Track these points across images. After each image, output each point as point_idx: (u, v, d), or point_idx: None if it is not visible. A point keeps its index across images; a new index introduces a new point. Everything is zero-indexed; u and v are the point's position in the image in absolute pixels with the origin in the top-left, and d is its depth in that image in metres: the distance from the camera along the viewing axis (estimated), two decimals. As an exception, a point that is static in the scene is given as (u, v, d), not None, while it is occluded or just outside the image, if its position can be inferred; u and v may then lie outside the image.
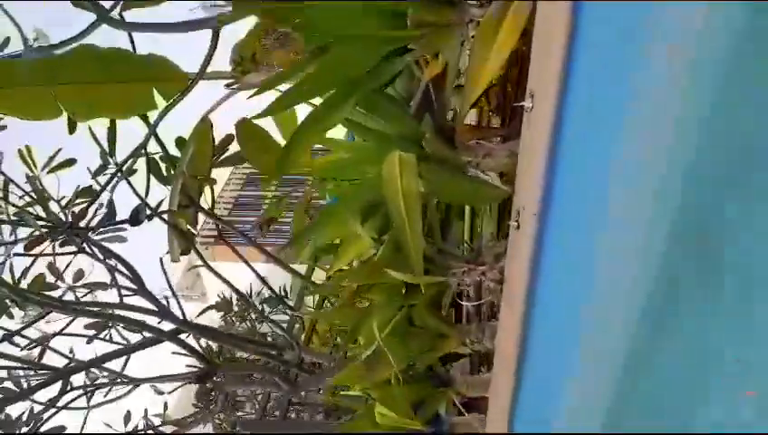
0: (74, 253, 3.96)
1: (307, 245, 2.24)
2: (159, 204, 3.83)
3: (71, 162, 4.71)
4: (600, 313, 1.97)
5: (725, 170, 1.34)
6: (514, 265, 2.05)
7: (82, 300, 4.99)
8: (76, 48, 2.65)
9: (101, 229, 4.49)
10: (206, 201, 4.00)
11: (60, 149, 4.81)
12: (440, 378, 3.00)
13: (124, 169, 3.43)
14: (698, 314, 1.49)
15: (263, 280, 4.69)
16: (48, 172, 4.75)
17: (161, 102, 3.09)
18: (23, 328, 4.02)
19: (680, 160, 1.43)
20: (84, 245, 3.93)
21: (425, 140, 1.91)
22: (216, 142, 4.38)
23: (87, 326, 5.37)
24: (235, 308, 10.16)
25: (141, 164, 3.78)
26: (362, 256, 2.37)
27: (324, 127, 1.90)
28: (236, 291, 4.67)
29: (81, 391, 4.24)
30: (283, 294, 6.70)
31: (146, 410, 5.08)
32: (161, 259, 4.40)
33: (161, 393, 4.07)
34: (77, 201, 3.89)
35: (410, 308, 2.41)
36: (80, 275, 5.34)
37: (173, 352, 3.87)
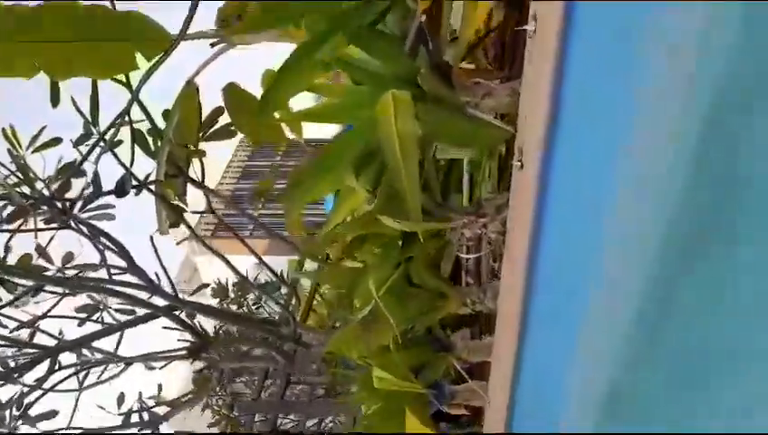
0: (58, 228, 3.83)
1: (298, 201, 2.11)
2: (147, 176, 3.71)
3: (56, 141, 4.57)
4: (612, 263, 1.86)
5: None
6: (517, 211, 1.93)
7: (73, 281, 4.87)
8: (51, 3, 2.52)
9: (89, 206, 4.37)
10: (194, 172, 3.87)
11: (44, 127, 4.68)
12: (441, 343, 2.90)
13: (107, 137, 3.30)
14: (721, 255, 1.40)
15: (262, 261, 4.57)
16: (33, 152, 4.61)
17: (145, 64, 2.96)
18: (9, 303, 3.89)
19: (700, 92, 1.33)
20: (70, 221, 3.80)
21: (420, 76, 1.79)
22: (207, 114, 4.27)
23: (78, 309, 5.26)
24: (231, 295, 10.06)
25: (127, 136, 3.65)
26: (357, 212, 2.25)
27: (310, 65, 1.78)
28: (236, 271, 4.53)
29: (71, 374, 4.13)
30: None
31: (140, 393, 4.98)
32: (152, 237, 4.29)
33: (152, 369, 3.96)
34: (60, 176, 3.75)
35: (408, 265, 2.30)
36: (69, 257, 5.22)
37: (164, 327, 3.76)
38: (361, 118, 1.93)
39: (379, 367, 2.57)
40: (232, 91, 3.33)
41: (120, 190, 3.29)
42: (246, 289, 9.86)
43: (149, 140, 3.83)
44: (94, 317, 5.06)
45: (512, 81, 2.00)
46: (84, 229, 3.92)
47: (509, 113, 1.98)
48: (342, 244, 2.20)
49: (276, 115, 3.04)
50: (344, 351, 2.76)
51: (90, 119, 3.46)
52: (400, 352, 2.72)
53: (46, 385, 3.98)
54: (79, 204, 4.35)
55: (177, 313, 3.98)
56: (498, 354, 2.86)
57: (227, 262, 4.48)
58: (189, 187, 4.02)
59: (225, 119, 4.25)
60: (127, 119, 3.27)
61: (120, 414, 4.48)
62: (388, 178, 1.94)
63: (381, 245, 2.23)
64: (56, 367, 3.85)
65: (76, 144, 3.46)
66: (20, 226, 3.61)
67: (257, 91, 3.44)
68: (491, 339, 2.88)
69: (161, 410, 4.97)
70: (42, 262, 4.92)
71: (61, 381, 3.99)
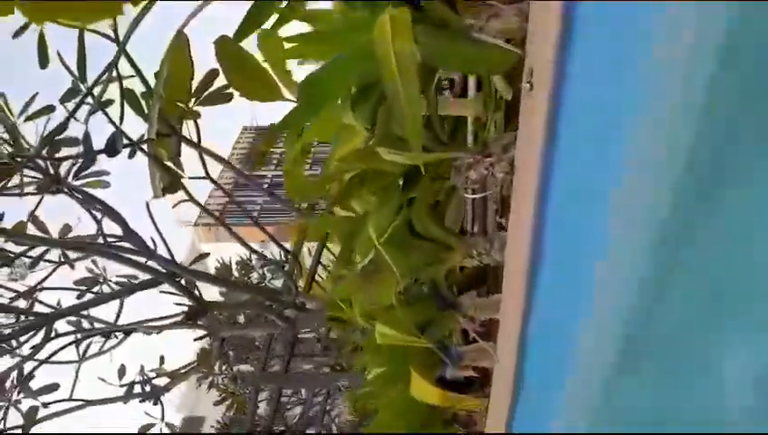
0: (49, 192, 3.71)
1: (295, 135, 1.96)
2: (141, 138, 3.57)
3: (49, 109, 4.44)
4: (629, 207, 1.71)
5: None
6: (526, 141, 1.78)
7: (70, 254, 4.79)
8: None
9: (82, 173, 4.25)
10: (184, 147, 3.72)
11: (36, 94, 4.55)
12: (446, 301, 2.77)
13: (96, 93, 3.14)
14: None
15: (272, 238, 4.44)
16: (26, 120, 4.50)
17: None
18: (13, 259, 3.76)
19: None
20: (64, 187, 3.66)
21: (419, -10, 1.63)
22: (202, 77, 4.12)
23: (77, 282, 5.18)
24: (235, 274, 10.00)
25: (117, 95, 3.51)
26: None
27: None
28: (247, 246, 4.37)
29: (70, 343, 4.04)
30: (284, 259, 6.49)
31: (142, 366, 4.92)
32: (147, 203, 4.17)
33: (149, 334, 3.87)
34: (46, 136, 3.61)
35: (410, 210, 2.16)
36: (67, 230, 5.12)
37: (161, 291, 3.66)
38: (355, 43, 1.78)
39: (383, 322, 2.44)
40: (224, 45, 3.17)
41: (111, 149, 3.16)
42: (250, 268, 9.81)
43: (143, 103, 3.70)
44: (94, 290, 4.98)
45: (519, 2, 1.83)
46: (77, 196, 3.80)
47: (515, 38, 1.82)
48: (340, 185, 2.05)
49: (264, 64, 2.90)
50: (345, 306, 2.63)
51: (77, 74, 3.32)
52: (405, 308, 2.59)
53: (45, 355, 3.90)
54: (72, 171, 4.24)
55: (177, 279, 3.87)
56: (506, 310, 2.73)
57: (235, 235, 4.33)
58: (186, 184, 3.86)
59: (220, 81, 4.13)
60: (115, 73, 3.12)
61: (121, 386, 4.41)
62: (387, 108, 1.79)
63: (381, 187, 2.09)
64: (52, 335, 3.76)
65: (63, 100, 3.32)
66: (7, 185, 3.47)
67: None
68: (499, 296, 2.75)
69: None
70: (38, 234, 4.83)
71: (59, 350, 3.90)
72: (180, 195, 3.81)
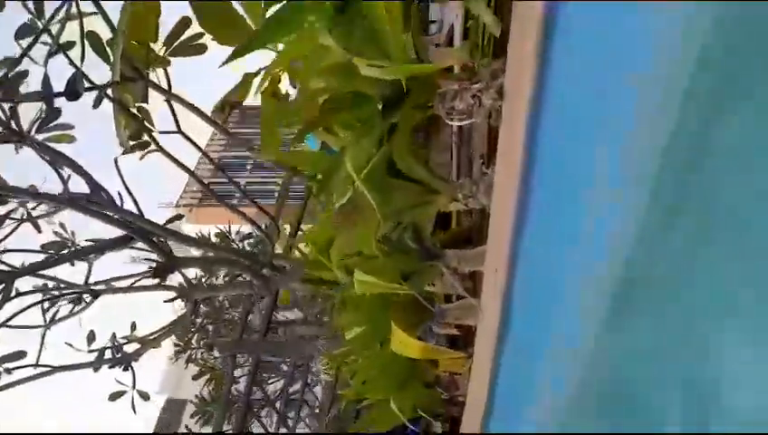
0: (11, 142, 3.46)
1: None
2: (107, 85, 3.34)
3: (16, 62, 4.17)
4: (634, 137, 1.57)
5: None
6: (518, 57, 1.63)
7: (35, 213, 4.56)
8: None
9: (46, 127, 4.00)
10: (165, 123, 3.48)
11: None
12: (429, 251, 2.63)
13: (54, 31, 2.91)
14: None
15: (261, 208, 4.25)
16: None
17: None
18: None
19: None
20: (22, 136, 3.43)
21: None
22: (174, 25, 3.89)
23: (44, 246, 4.94)
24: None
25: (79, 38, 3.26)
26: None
27: None
28: (237, 211, 4.16)
29: (34, 303, 3.85)
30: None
31: (114, 334, 4.73)
32: (116, 160, 3.96)
33: (115, 292, 3.68)
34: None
35: (390, 145, 1.99)
36: (32, 189, 4.88)
37: (131, 247, 3.47)
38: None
39: (363, 270, 2.30)
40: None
41: (72, 92, 2.93)
42: (229, 241, 9.63)
43: (108, 51, 3.46)
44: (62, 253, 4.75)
45: None
46: (38, 150, 3.57)
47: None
48: (314, 109, 1.88)
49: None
50: (324, 259, 2.48)
51: (35, 12, 3.07)
52: (386, 258, 2.45)
53: (7, 318, 3.70)
54: (35, 126, 4.00)
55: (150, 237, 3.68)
56: (491, 261, 2.60)
57: (220, 199, 4.14)
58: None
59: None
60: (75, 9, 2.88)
61: (89, 352, 4.22)
62: (364, 23, 1.62)
63: (359, 119, 1.92)
64: (12, 294, 3.55)
65: (18, 36, 3.07)
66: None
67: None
68: (484, 247, 2.62)
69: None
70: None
71: (20, 312, 3.69)
72: (167, 169, 3.60)
